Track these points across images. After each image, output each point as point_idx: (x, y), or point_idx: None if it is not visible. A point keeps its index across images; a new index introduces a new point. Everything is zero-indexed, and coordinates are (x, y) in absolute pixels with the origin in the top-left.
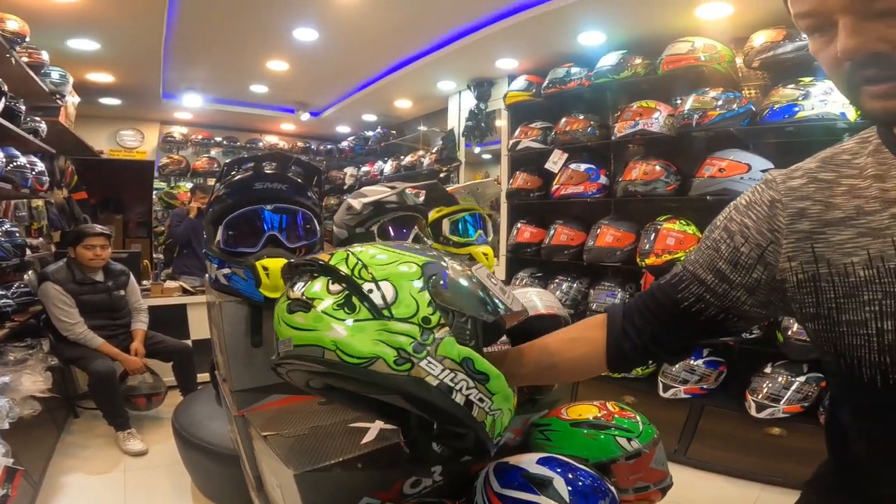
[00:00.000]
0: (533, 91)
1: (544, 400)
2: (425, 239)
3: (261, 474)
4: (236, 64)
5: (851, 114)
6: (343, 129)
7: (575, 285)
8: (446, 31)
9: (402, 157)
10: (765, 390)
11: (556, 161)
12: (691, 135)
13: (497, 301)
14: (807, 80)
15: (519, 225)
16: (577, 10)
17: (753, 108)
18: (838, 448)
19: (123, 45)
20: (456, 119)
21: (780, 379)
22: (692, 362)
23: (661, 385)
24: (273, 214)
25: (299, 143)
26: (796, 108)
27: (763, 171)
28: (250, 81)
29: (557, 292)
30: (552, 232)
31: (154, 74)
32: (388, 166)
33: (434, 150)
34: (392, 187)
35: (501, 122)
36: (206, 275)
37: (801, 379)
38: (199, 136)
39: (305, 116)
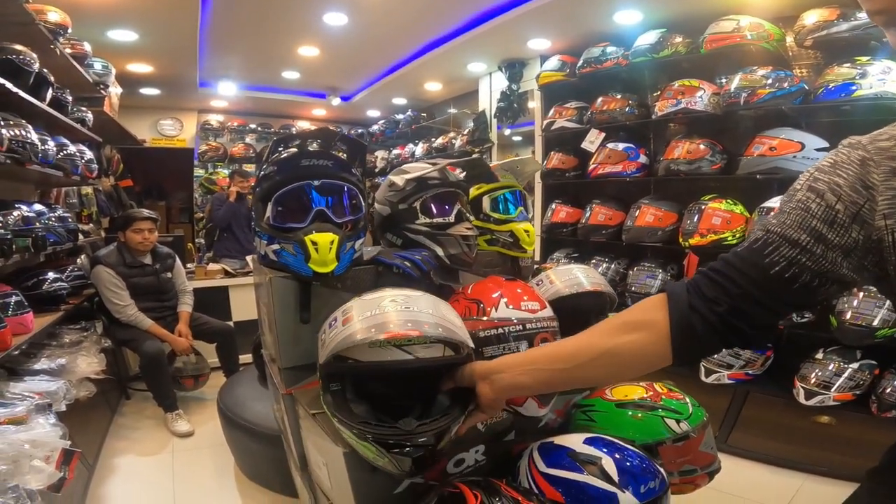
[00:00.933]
0: (567, 71)
1: None
2: (468, 215)
3: (306, 453)
4: (268, 51)
5: None
6: (373, 113)
7: (613, 266)
8: (476, 11)
9: (433, 139)
10: (815, 377)
11: (592, 140)
12: (737, 114)
13: None
14: (864, 59)
15: (554, 205)
16: None
17: (806, 87)
18: None
19: (161, 36)
20: (487, 101)
21: (831, 366)
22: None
23: (703, 370)
24: (320, 190)
25: (331, 127)
26: (853, 87)
27: (818, 149)
28: (282, 68)
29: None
30: (589, 212)
31: (191, 64)
32: (419, 149)
33: (466, 132)
34: (433, 163)
35: (534, 103)
36: (251, 256)
37: (855, 366)
38: (235, 124)
39: (336, 101)
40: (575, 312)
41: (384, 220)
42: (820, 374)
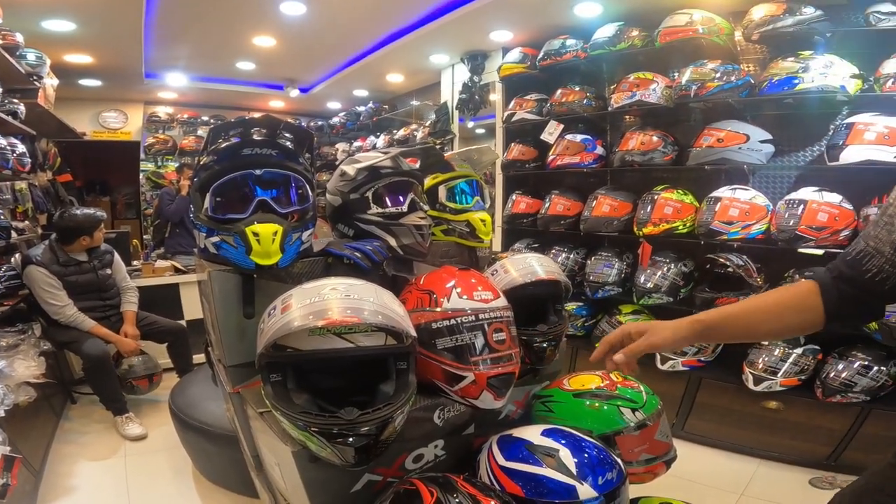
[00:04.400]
0: (528, 63)
1: (545, 371)
2: (422, 205)
3: (259, 454)
4: (221, 41)
5: (851, 87)
6: (334, 104)
7: (572, 256)
8: (438, 2)
9: (394, 131)
10: (762, 363)
11: (551, 132)
12: (688, 106)
13: None
14: (806, 53)
15: (514, 196)
16: None
17: (752, 81)
18: None
19: (102, 25)
20: (449, 92)
21: (776, 351)
22: None
23: (658, 357)
24: (263, 180)
25: (289, 120)
26: (796, 81)
27: (762, 141)
28: (236, 58)
29: (557, 260)
30: (548, 202)
31: (135, 54)
32: (380, 141)
33: (427, 124)
34: (386, 152)
35: (496, 96)
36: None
37: (799, 351)
38: (186, 116)
39: (294, 93)
40: (530, 301)
41: (336, 211)
42: (766, 359)
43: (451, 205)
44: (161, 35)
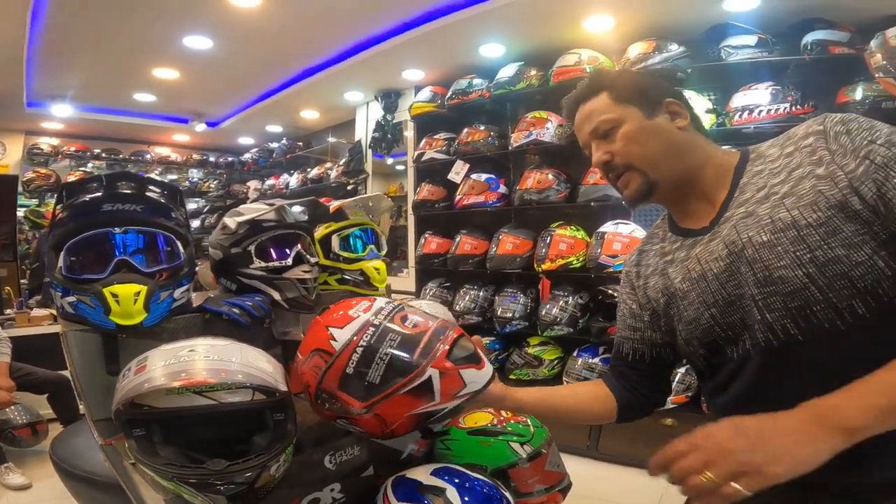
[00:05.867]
0: (438, 102)
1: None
2: (308, 257)
3: (144, 501)
4: (116, 71)
5: (706, 122)
6: (246, 140)
7: (481, 293)
8: (351, 41)
9: (308, 169)
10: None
11: (458, 172)
12: (577, 144)
13: None
14: None
15: (425, 236)
16: (477, 22)
17: None
18: None
19: None
20: (364, 130)
21: None
22: (590, 360)
23: (565, 384)
24: (127, 237)
25: (195, 156)
26: None
27: None
28: (134, 90)
29: (466, 300)
30: (457, 242)
31: (16, 81)
32: (293, 179)
33: (342, 163)
34: (270, 204)
35: (410, 133)
36: None
37: (682, 370)
38: (73, 149)
39: (201, 127)
40: None
41: (218, 265)
42: None
43: (345, 254)
44: (47, 62)
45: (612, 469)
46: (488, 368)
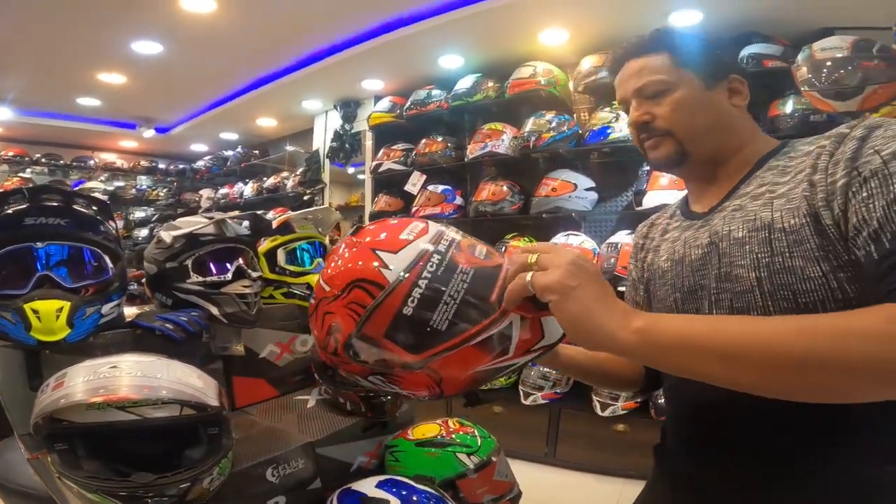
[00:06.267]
0: (396, 112)
1: (395, 422)
2: (249, 271)
3: None
4: (58, 75)
5: None
6: (199, 147)
7: None
8: (310, 49)
9: (264, 178)
10: (605, 390)
11: (415, 183)
12: (531, 156)
13: None
14: (617, 103)
15: None
16: (437, 33)
17: (580, 131)
18: None
19: None
20: (322, 140)
21: None
22: (544, 369)
23: (522, 393)
24: (51, 252)
25: (143, 162)
26: (609, 130)
27: (587, 188)
28: (77, 94)
29: None
30: None
31: None
32: (248, 188)
33: (298, 173)
34: (210, 218)
35: (368, 143)
36: None
37: None
38: (11, 153)
39: (149, 133)
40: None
41: (153, 279)
42: None
43: (291, 267)
44: None
45: (569, 475)
46: None
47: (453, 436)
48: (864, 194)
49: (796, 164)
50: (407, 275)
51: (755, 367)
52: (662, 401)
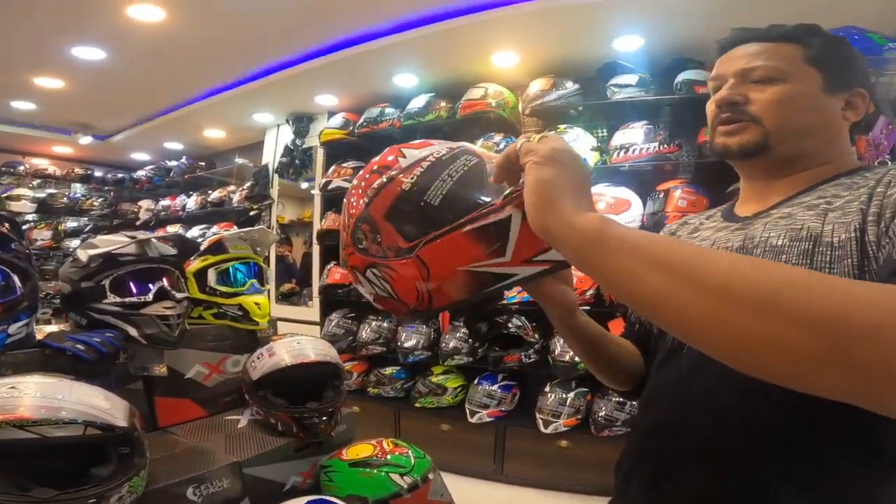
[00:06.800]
0: (349, 129)
1: (332, 442)
2: (173, 292)
3: None
4: None
5: (592, 159)
6: (141, 156)
7: (385, 324)
8: (264, 62)
9: (209, 191)
10: (547, 408)
11: None
12: None
13: None
14: (562, 127)
15: (330, 266)
16: (393, 52)
17: None
18: None
19: None
20: (272, 154)
21: (555, 396)
22: (489, 387)
23: (468, 412)
24: None
25: (78, 170)
26: None
27: None
28: (11, 97)
29: (369, 330)
30: None
31: None
32: (192, 201)
33: (245, 187)
34: (132, 237)
35: (319, 159)
36: None
37: (571, 395)
38: None
39: (86, 140)
40: (307, 381)
41: (67, 299)
42: (549, 404)
43: (222, 288)
44: None
45: (517, 491)
46: None
47: (387, 456)
48: None
49: (864, 181)
50: (418, 160)
51: (706, 290)
52: (601, 417)
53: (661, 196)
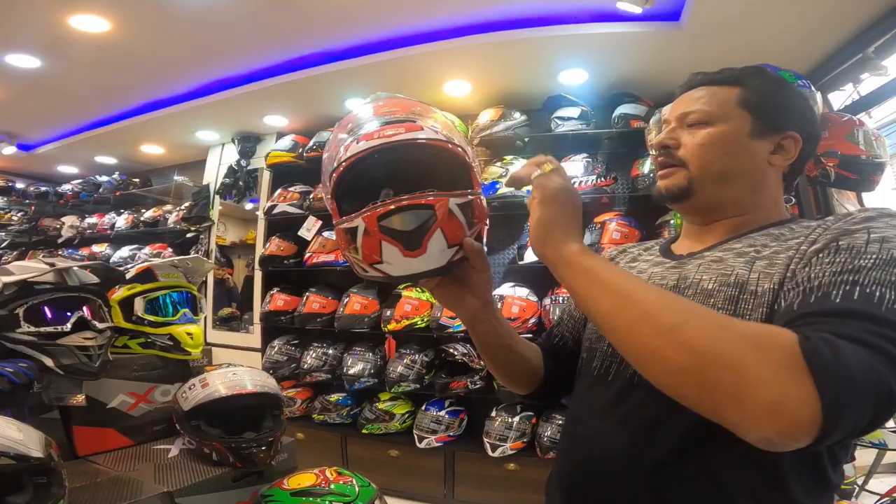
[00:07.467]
0: (298, 152)
1: (272, 471)
2: (94, 322)
3: None
4: None
5: None
6: (68, 169)
7: (330, 351)
8: (209, 78)
9: (143, 210)
10: (494, 432)
11: (309, 228)
12: None
13: None
14: (508, 158)
15: (272, 292)
16: (345, 76)
17: None
18: None
19: None
20: (215, 173)
21: (501, 421)
22: (437, 413)
23: (416, 437)
24: None
25: None
26: (497, 185)
27: None
28: None
29: (314, 357)
30: (305, 300)
31: None
32: (122, 220)
33: (183, 207)
34: (52, 264)
35: (264, 182)
36: None
37: (517, 419)
38: None
39: (10, 150)
40: (245, 411)
41: None
42: (496, 428)
43: (151, 317)
44: None
45: None
46: (439, 257)
47: (331, 485)
48: (827, 260)
49: (793, 234)
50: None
51: (635, 314)
52: (546, 438)
53: (598, 228)
